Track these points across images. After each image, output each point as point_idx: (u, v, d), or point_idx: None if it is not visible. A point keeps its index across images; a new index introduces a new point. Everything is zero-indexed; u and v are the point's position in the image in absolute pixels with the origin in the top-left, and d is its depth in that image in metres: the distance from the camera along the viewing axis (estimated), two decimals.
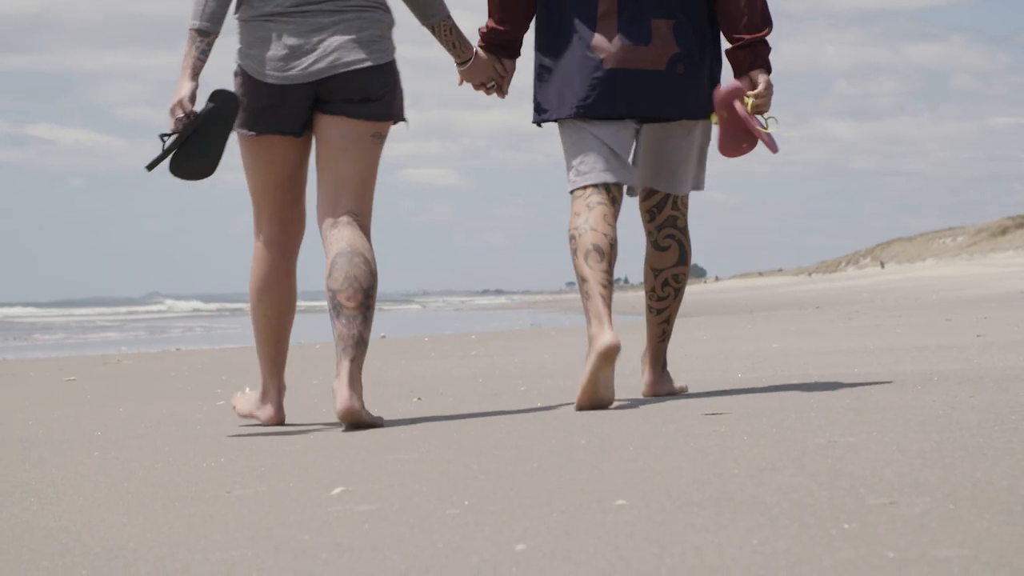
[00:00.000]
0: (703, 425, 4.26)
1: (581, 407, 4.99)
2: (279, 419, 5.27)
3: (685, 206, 5.46)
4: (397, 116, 5.15)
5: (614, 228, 5.22)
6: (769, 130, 5.21)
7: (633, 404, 5.11)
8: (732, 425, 4.21)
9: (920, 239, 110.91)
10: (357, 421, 4.83)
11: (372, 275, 4.96)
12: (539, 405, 5.40)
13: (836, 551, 2.39)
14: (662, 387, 5.52)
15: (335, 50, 5.03)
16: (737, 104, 5.19)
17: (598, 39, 5.23)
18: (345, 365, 4.85)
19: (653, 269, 5.47)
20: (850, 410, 4.48)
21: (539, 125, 5.41)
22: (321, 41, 5.04)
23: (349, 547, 2.71)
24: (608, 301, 5.03)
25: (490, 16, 5.40)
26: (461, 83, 5.45)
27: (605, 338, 4.91)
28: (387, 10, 5.15)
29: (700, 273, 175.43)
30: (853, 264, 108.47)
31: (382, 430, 4.77)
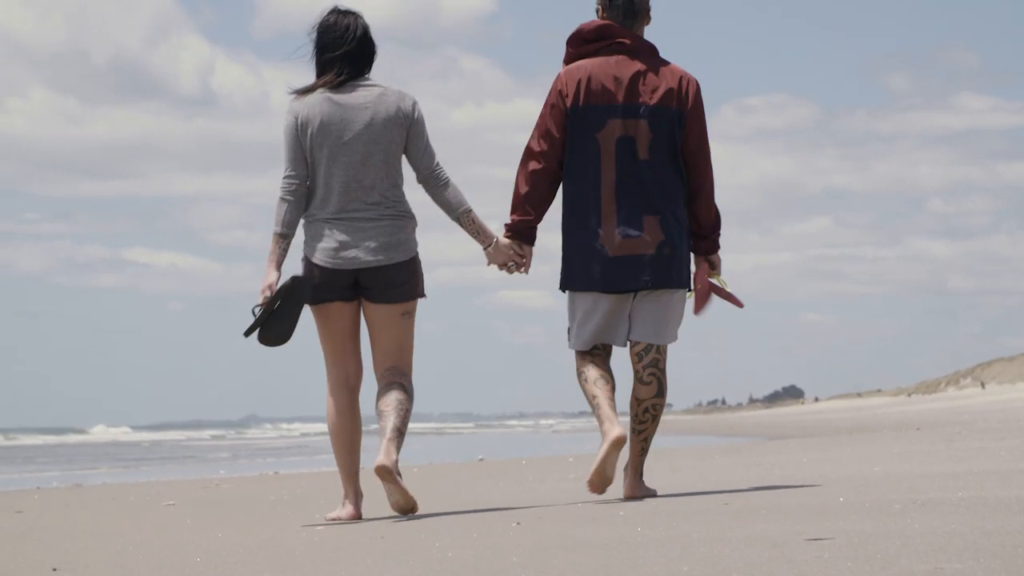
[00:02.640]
0: (806, 551, 4.22)
1: (591, 483, 6.62)
2: (357, 515, 6.79)
3: (665, 352, 6.90)
4: (419, 294, 6.84)
5: (610, 371, 6.92)
6: (729, 289, 7.11)
7: (736, 528, 5.07)
8: (836, 551, 4.16)
9: (1021, 359, 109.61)
10: (389, 478, 6.53)
11: (407, 414, 6.72)
12: (639, 529, 5.37)
13: None
14: (639, 491, 6.93)
15: (370, 249, 6.67)
16: (712, 281, 7.06)
17: (604, 233, 6.80)
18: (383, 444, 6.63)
19: (637, 399, 6.89)
20: (956, 535, 4.41)
21: (563, 291, 6.95)
22: (361, 241, 6.67)
23: None
24: (614, 406, 6.74)
25: (514, 211, 6.87)
26: (489, 264, 6.86)
27: (615, 431, 6.55)
28: (411, 216, 6.80)
29: (797, 394, 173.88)
30: (953, 384, 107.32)
31: (483, 558, 4.77)
